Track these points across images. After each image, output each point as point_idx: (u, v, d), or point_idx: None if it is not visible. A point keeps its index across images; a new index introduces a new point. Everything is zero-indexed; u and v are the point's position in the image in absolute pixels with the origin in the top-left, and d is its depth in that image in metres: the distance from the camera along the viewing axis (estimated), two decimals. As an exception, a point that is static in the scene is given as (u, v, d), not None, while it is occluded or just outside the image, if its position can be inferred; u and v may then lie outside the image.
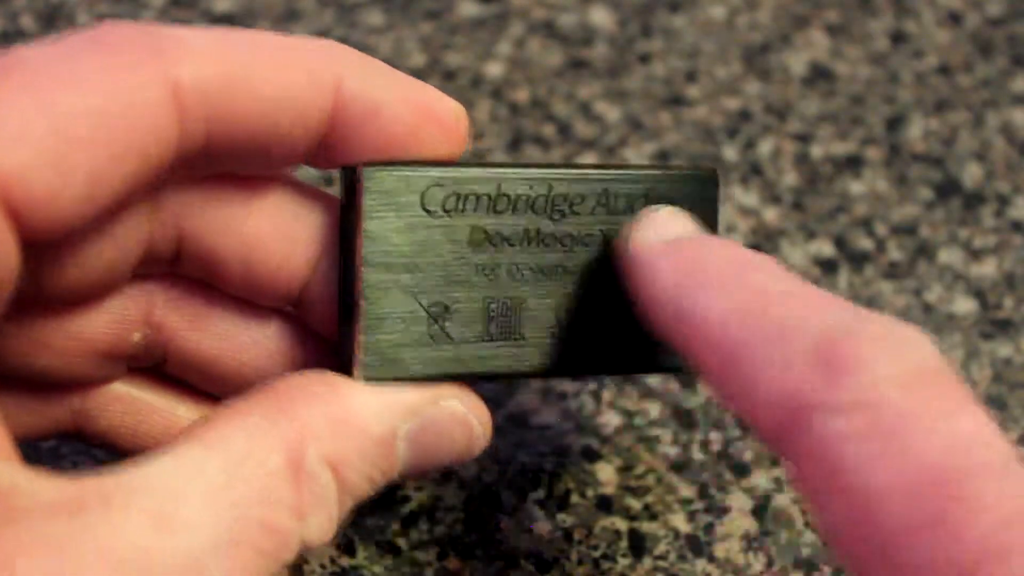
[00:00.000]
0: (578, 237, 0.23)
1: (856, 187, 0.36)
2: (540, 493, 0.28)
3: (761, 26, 0.40)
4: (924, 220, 0.35)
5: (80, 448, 0.28)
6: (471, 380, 0.23)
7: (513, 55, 0.39)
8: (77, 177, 0.18)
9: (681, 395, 0.31)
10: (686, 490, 0.29)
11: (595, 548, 0.27)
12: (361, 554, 0.27)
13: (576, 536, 0.28)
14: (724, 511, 0.28)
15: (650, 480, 0.29)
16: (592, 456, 0.29)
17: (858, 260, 0.34)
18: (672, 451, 0.29)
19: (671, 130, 0.37)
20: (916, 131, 0.37)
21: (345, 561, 0.27)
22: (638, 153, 0.36)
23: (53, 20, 0.39)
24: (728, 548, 0.28)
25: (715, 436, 0.30)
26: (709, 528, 0.28)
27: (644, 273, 0.22)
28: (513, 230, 0.23)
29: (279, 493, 0.19)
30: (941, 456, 0.17)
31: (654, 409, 0.30)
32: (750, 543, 0.28)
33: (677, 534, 0.28)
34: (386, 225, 0.22)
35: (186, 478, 0.18)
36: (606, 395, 0.30)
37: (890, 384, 0.17)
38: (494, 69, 0.38)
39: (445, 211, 0.22)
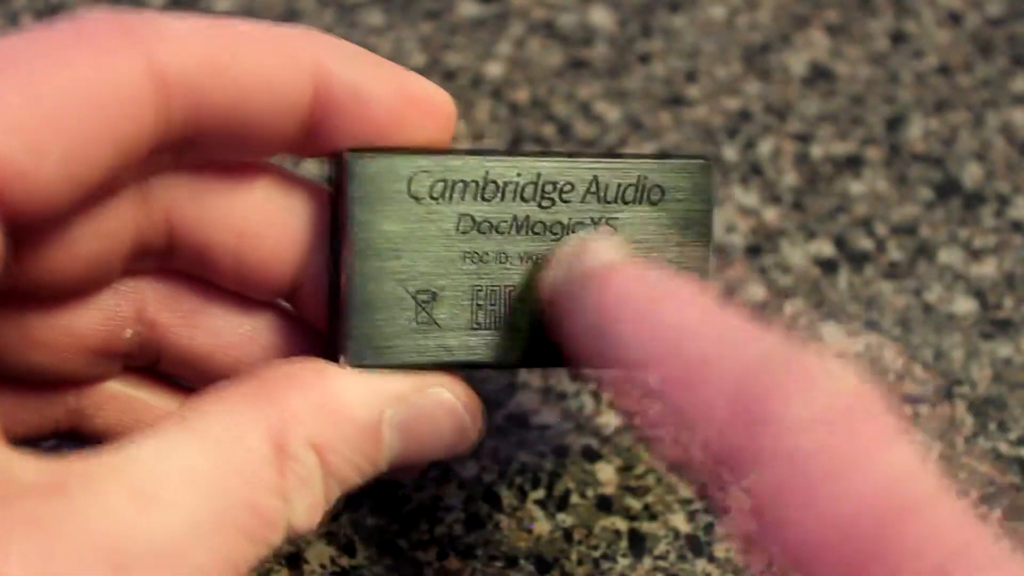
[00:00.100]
0: (568, 225, 0.23)
1: (856, 187, 0.36)
2: (540, 493, 0.28)
3: (761, 26, 0.40)
4: (924, 220, 0.35)
5: (80, 448, 0.28)
6: (459, 369, 0.23)
7: (513, 55, 0.39)
8: (52, 155, 0.18)
9: (681, 395, 0.31)
10: (686, 490, 0.29)
11: (595, 548, 0.27)
12: (361, 554, 0.27)
13: (576, 536, 0.28)
14: (724, 511, 0.28)
15: (650, 480, 0.29)
16: (592, 456, 0.29)
17: (858, 260, 0.34)
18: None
19: (671, 130, 0.37)
20: (916, 131, 0.37)
21: (345, 561, 0.27)
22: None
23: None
24: (728, 548, 0.28)
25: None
26: (709, 528, 0.28)
27: (560, 314, 0.21)
28: (501, 218, 0.23)
29: (263, 475, 0.19)
30: (869, 498, 0.16)
31: (654, 409, 0.30)
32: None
33: (677, 534, 0.28)
34: (372, 212, 0.22)
35: (168, 459, 0.18)
36: (606, 395, 0.30)
37: (811, 427, 0.17)
38: (494, 69, 0.38)
39: (432, 198, 0.22)
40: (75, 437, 0.25)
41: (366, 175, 0.22)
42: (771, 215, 0.35)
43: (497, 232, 0.23)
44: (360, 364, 0.22)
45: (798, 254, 0.34)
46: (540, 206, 0.23)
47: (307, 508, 0.20)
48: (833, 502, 0.16)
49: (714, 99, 0.38)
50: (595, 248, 0.22)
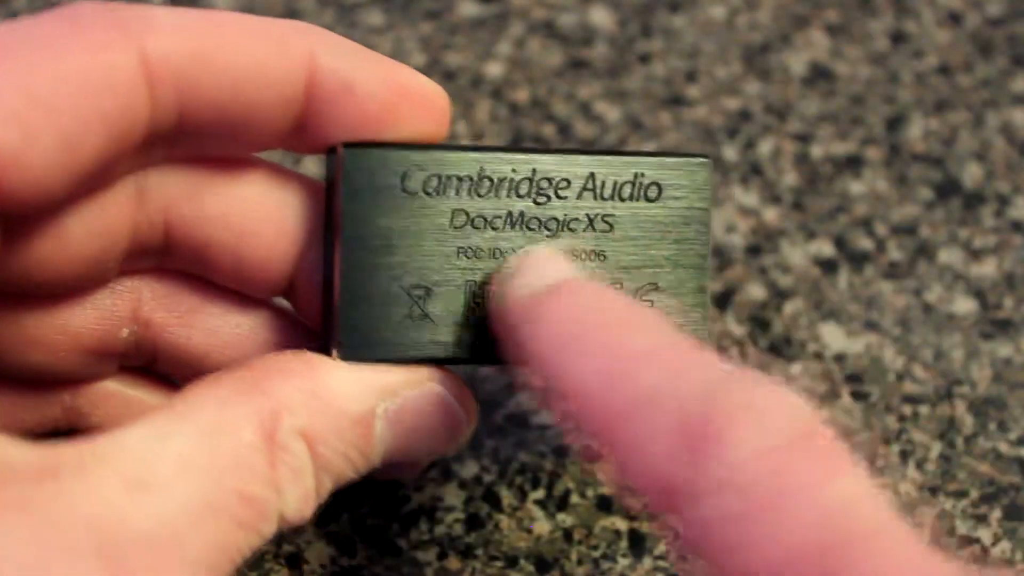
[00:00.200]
0: (563, 222, 0.23)
1: (856, 187, 0.36)
2: (540, 493, 0.28)
3: (761, 26, 0.40)
4: (924, 220, 0.35)
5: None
6: (453, 364, 0.23)
7: (513, 55, 0.39)
8: (46, 143, 0.18)
9: (681, 395, 0.31)
10: (686, 490, 0.29)
11: (595, 548, 0.27)
12: (361, 554, 0.27)
13: (576, 536, 0.28)
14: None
15: (650, 480, 0.29)
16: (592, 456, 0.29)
17: (858, 260, 0.34)
18: (672, 451, 0.29)
19: (671, 130, 0.37)
20: (916, 131, 0.37)
21: (345, 561, 0.27)
22: (638, 153, 0.36)
23: (53, 20, 0.39)
24: (728, 548, 0.28)
25: (715, 436, 0.30)
26: None
27: (513, 335, 0.20)
28: (496, 213, 0.23)
29: (254, 464, 0.19)
30: (816, 529, 0.16)
31: (654, 409, 0.30)
32: (750, 543, 0.28)
33: (677, 534, 0.28)
34: (366, 206, 0.22)
35: (159, 447, 0.18)
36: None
37: (756, 459, 0.16)
38: (494, 69, 0.38)
39: (426, 193, 0.22)
40: (72, 435, 0.25)
41: (360, 169, 0.22)
42: (771, 215, 0.35)
43: (491, 228, 0.23)
44: (353, 357, 0.22)
45: (798, 254, 0.34)
46: (535, 202, 0.23)
47: (299, 499, 0.20)
48: (777, 534, 0.16)
49: (714, 99, 0.38)
50: (537, 267, 0.21)
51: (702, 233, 0.24)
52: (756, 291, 0.33)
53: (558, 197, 0.23)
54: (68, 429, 0.25)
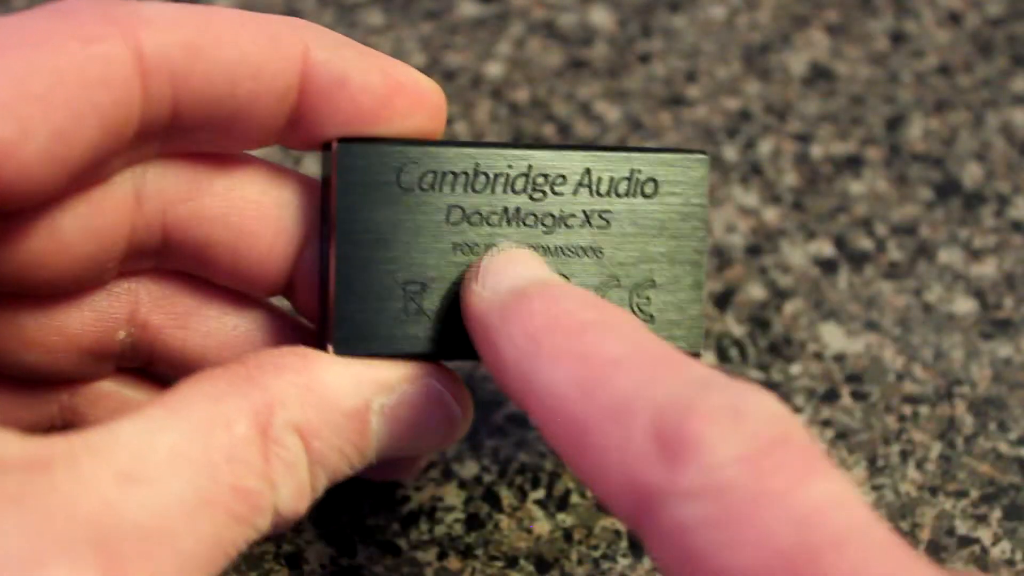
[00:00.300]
0: (560, 218, 0.23)
1: (856, 187, 0.36)
2: (540, 493, 0.28)
3: (761, 26, 0.40)
4: (924, 220, 0.35)
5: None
6: (448, 359, 0.23)
7: (513, 55, 0.39)
8: (39, 132, 0.19)
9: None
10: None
11: (595, 548, 0.27)
12: (361, 554, 0.27)
13: (576, 536, 0.28)
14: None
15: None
16: (592, 456, 0.29)
17: (858, 260, 0.34)
18: (672, 451, 0.29)
19: (671, 130, 0.37)
20: (916, 131, 0.37)
21: (345, 561, 0.27)
22: (638, 153, 0.36)
23: (53, 20, 0.39)
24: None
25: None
26: None
27: (480, 339, 0.20)
28: (491, 209, 0.23)
29: (247, 457, 0.19)
30: (791, 534, 0.16)
31: (654, 409, 0.30)
32: (750, 543, 0.28)
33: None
34: (361, 200, 0.22)
35: (152, 440, 0.18)
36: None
37: (732, 464, 0.16)
38: (494, 69, 0.38)
39: (422, 189, 0.22)
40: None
41: (355, 164, 0.22)
42: (771, 215, 0.35)
43: (487, 223, 0.22)
44: (348, 352, 0.22)
45: (798, 254, 0.34)
46: (531, 198, 0.23)
47: (293, 493, 0.20)
48: (752, 539, 0.16)
49: (714, 99, 0.38)
50: (514, 266, 0.21)
51: (699, 229, 0.24)
52: (756, 291, 0.33)
53: (554, 193, 0.23)
54: (64, 428, 0.25)
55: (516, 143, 0.22)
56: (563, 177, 0.23)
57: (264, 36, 0.21)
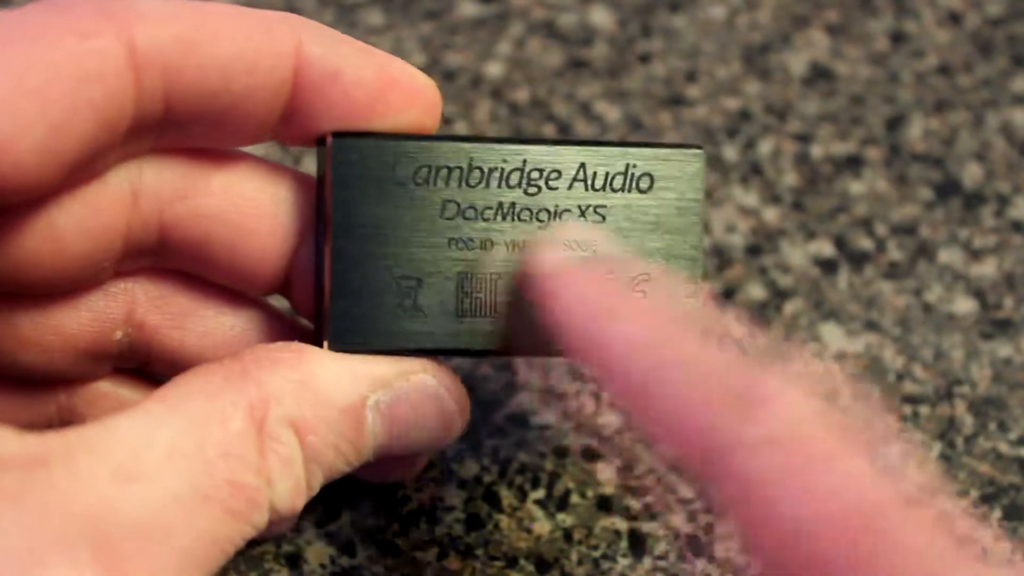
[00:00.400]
0: (555, 212, 0.23)
1: (856, 187, 0.36)
2: (540, 493, 0.28)
3: (761, 26, 0.40)
4: (924, 220, 0.35)
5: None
6: (444, 355, 0.23)
7: (513, 55, 0.39)
8: (35, 127, 0.19)
9: (681, 395, 0.30)
10: (686, 490, 0.29)
11: (595, 548, 0.27)
12: (361, 554, 0.27)
13: (576, 536, 0.28)
14: (715, 504, 0.28)
15: (650, 480, 0.29)
16: (592, 456, 0.29)
17: (858, 260, 0.34)
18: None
19: (671, 130, 0.37)
20: (916, 131, 0.37)
21: (345, 561, 0.27)
22: (638, 153, 0.36)
23: (53, 20, 0.39)
24: (728, 548, 0.28)
25: (715, 436, 0.30)
26: (709, 528, 0.28)
27: (552, 296, 0.21)
28: (486, 204, 0.22)
29: (243, 452, 0.19)
30: (862, 489, 0.16)
31: (654, 409, 0.30)
32: (750, 543, 0.28)
33: (677, 534, 0.28)
34: (356, 195, 0.22)
35: (148, 436, 0.18)
36: (606, 395, 0.30)
37: (808, 418, 0.17)
38: (494, 69, 0.38)
39: (416, 183, 0.22)
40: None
41: (350, 159, 0.22)
42: (771, 215, 0.35)
43: (482, 218, 0.22)
44: (343, 348, 0.22)
45: (798, 254, 0.34)
46: (526, 193, 0.23)
47: (289, 489, 0.20)
48: (816, 493, 0.16)
49: (714, 99, 0.38)
50: (586, 235, 0.22)
51: (695, 225, 0.24)
52: (756, 291, 0.33)
53: (549, 188, 0.23)
54: (62, 427, 0.25)
55: (511, 138, 0.22)
56: (558, 172, 0.23)
57: (258, 31, 0.21)
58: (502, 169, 0.22)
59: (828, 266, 0.34)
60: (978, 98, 0.38)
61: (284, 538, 0.27)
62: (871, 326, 0.32)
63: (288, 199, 0.23)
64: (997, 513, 0.28)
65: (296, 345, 0.21)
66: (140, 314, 0.24)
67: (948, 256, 0.34)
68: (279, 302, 0.25)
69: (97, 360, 0.24)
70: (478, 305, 0.22)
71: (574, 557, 0.27)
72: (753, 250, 0.34)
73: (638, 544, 0.27)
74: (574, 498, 0.28)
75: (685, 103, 0.38)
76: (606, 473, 0.29)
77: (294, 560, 0.27)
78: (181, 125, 0.21)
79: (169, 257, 0.23)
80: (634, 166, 0.23)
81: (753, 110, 0.38)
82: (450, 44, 0.39)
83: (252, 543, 0.21)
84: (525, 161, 0.23)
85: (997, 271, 0.34)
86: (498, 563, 0.27)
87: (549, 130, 0.37)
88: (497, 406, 0.30)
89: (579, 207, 0.23)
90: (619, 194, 0.23)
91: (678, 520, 0.28)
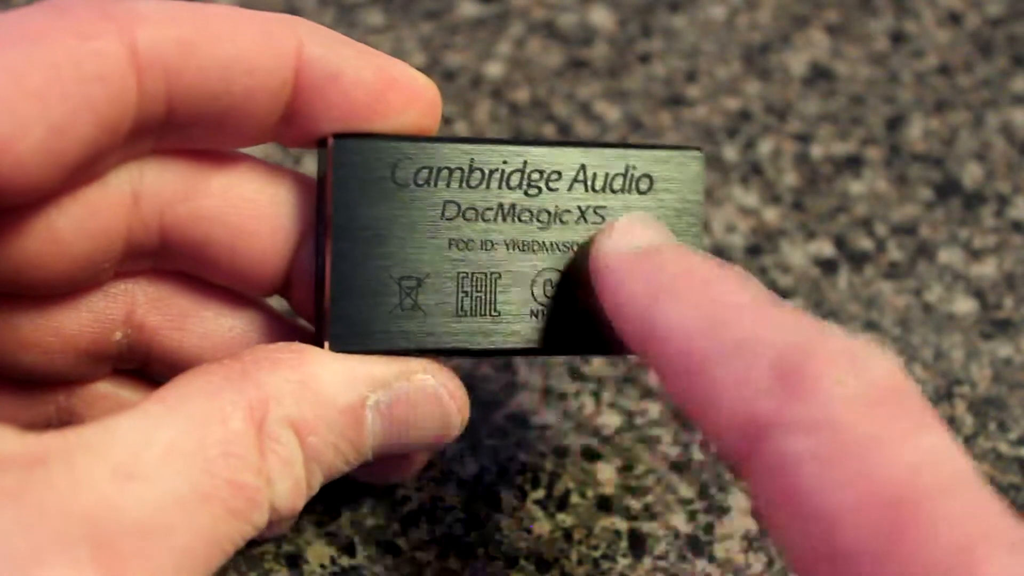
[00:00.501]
0: (555, 214, 0.23)
1: (856, 187, 0.36)
2: (540, 493, 0.28)
3: (761, 26, 0.40)
4: (924, 220, 0.35)
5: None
6: (444, 355, 0.23)
7: (513, 55, 0.39)
8: (36, 128, 0.19)
9: (681, 395, 0.30)
10: (686, 490, 0.29)
11: (595, 548, 0.27)
12: (361, 554, 0.27)
13: (576, 536, 0.28)
14: (724, 511, 0.28)
15: (650, 480, 0.29)
16: (592, 456, 0.29)
17: (858, 260, 0.34)
18: (672, 451, 0.29)
19: (671, 130, 0.37)
20: (916, 131, 0.37)
21: (345, 561, 0.27)
22: (638, 153, 0.36)
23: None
24: (728, 548, 0.28)
25: (715, 436, 0.30)
26: (709, 528, 0.28)
27: (610, 282, 0.21)
28: (487, 205, 0.23)
29: (243, 452, 0.19)
30: (898, 477, 0.16)
31: (654, 409, 0.30)
32: (750, 543, 0.28)
33: (677, 534, 0.28)
34: (356, 196, 0.22)
35: (148, 436, 0.18)
36: (606, 395, 0.30)
37: (848, 403, 0.17)
38: (494, 69, 0.38)
39: (417, 184, 0.22)
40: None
41: (350, 160, 0.22)
42: (771, 215, 0.35)
43: (483, 219, 0.23)
44: (344, 348, 0.22)
45: (798, 254, 0.34)
46: (526, 194, 0.23)
47: (289, 489, 0.20)
48: (858, 478, 0.16)
49: (714, 99, 0.38)
50: (644, 226, 0.22)
51: (694, 226, 0.24)
52: (756, 291, 0.33)
53: (549, 189, 0.23)
54: (62, 428, 0.25)
55: (511, 139, 0.22)
56: (558, 173, 0.23)
57: (258, 32, 0.21)
58: (503, 170, 0.23)
59: (828, 266, 0.34)
60: (978, 98, 0.38)
61: (284, 538, 0.27)
62: (871, 326, 0.32)
63: (288, 200, 0.23)
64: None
65: (296, 346, 0.21)
66: (140, 315, 0.24)
67: (948, 256, 0.34)
68: (279, 303, 0.26)
69: (96, 361, 0.24)
70: (478, 305, 0.23)
71: (574, 557, 0.27)
72: (753, 250, 0.34)
73: (638, 544, 0.27)
74: (574, 498, 0.28)
75: (685, 103, 0.38)
76: (606, 473, 0.29)
77: (294, 560, 0.27)
78: (182, 127, 0.21)
79: (169, 258, 0.23)
80: (634, 167, 0.23)
81: (753, 110, 0.38)
82: (450, 44, 0.39)
83: (252, 543, 0.21)
84: (526, 162, 0.23)
85: (997, 271, 0.34)
86: (498, 563, 0.27)
87: (549, 130, 0.37)
88: (497, 406, 0.30)
89: (579, 208, 0.23)
90: (619, 195, 0.23)
91: (678, 520, 0.28)
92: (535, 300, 0.23)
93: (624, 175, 0.23)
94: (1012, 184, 0.36)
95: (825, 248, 0.34)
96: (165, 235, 0.23)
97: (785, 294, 0.33)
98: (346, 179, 0.22)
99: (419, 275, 0.22)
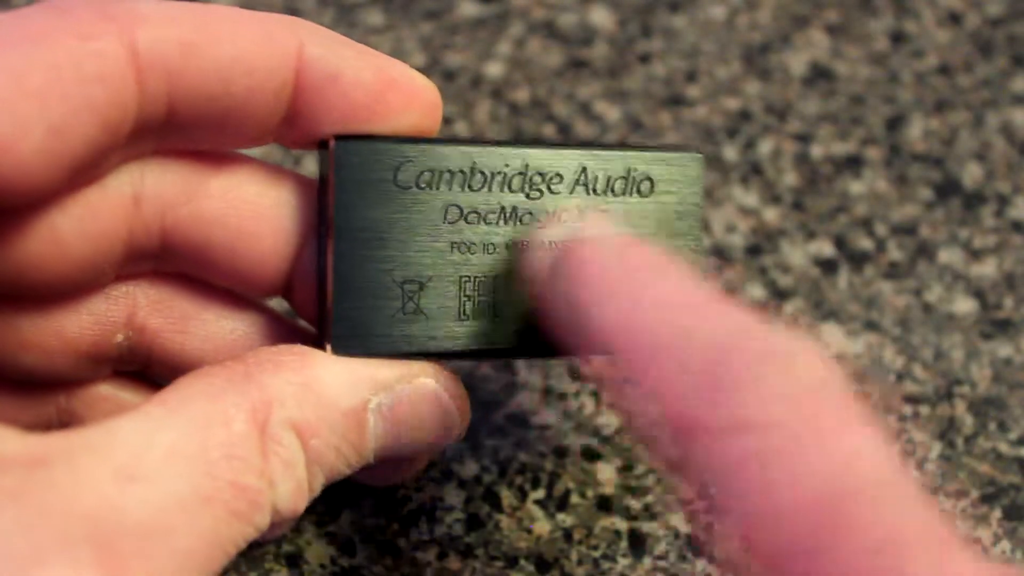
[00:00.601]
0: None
1: (856, 187, 0.36)
2: (540, 493, 0.28)
3: (761, 26, 0.40)
4: (924, 220, 0.35)
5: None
6: (446, 358, 0.23)
7: (513, 55, 0.39)
8: (36, 128, 0.19)
9: (681, 395, 0.30)
10: (686, 490, 0.29)
11: (595, 548, 0.27)
12: (361, 554, 0.27)
13: (576, 536, 0.28)
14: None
15: (650, 480, 0.29)
16: (592, 456, 0.29)
17: (858, 260, 0.34)
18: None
19: (671, 130, 0.37)
20: (916, 131, 0.37)
21: (345, 561, 0.27)
22: (638, 153, 0.36)
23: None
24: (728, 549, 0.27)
25: (715, 436, 0.30)
26: (709, 528, 0.28)
27: (538, 279, 0.21)
28: (489, 207, 0.23)
29: (245, 454, 0.19)
30: (824, 478, 0.16)
31: (654, 409, 0.30)
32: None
33: (677, 534, 0.28)
34: (358, 198, 0.22)
35: (150, 438, 0.18)
36: (606, 395, 0.30)
37: (777, 404, 0.17)
38: (494, 69, 0.38)
39: (419, 187, 0.22)
40: None
41: (352, 162, 0.22)
42: (771, 215, 0.35)
43: (484, 222, 0.23)
44: (346, 351, 0.22)
45: (798, 254, 0.34)
46: (528, 196, 0.23)
47: (291, 491, 0.20)
48: (790, 478, 0.16)
49: (714, 99, 0.38)
50: (574, 217, 0.22)
51: (695, 228, 0.24)
52: (756, 291, 0.33)
53: (551, 191, 0.23)
54: (62, 429, 0.25)
55: (513, 141, 0.22)
56: (559, 175, 0.23)
57: (259, 33, 0.21)
58: (504, 173, 0.23)
59: (828, 266, 0.34)
60: (978, 98, 0.38)
61: (284, 538, 0.27)
62: (871, 326, 0.32)
63: (289, 202, 0.23)
64: (997, 513, 0.28)
65: (298, 348, 0.21)
66: (141, 317, 0.24)
67: (948, 256, 0.34)
68: (280, 304, 0.26)
69: (97, 363, 0.24)
70: (480, 308, 0.23)
71: (574, 557, 0.27)
72: (753, 250, 0.34)
73: (638, 544, 0.28)
74: (574, 498, 0.28)
75: (685, 103, 0.38)
76: (606, 473, 0.29)
77: (294, 560, 0.27)
78: (183, 127, 0.21)
79: (170, 261, 0.23)
80: (635, 170, 0.23)
81: (753, 110, 0.38)
82: (450, 44, 0.39)
83: (252, 544, 0.21)
84: (527, 165, 0.23)
85: (997, 271, 0.34)
86: (498, 563, 0.27)
87: (549, 130, 0.37)
88: (497, 406, 0.30)
89: (579, 210, 0.23)
90: (620, 197, 0.23)
91: (678, 520, 0.28)
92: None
93: (625, 177, 0.23)
94: (1012, 184, 0.36)
95: (825, 248, 0.34)
96: (166, 237, 0.23)
97: (785, 294, 0.33)
98: (348, 181, 0.22)
99: (421, 278, 0.22)
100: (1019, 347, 0.32)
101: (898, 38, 0.40)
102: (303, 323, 0.25)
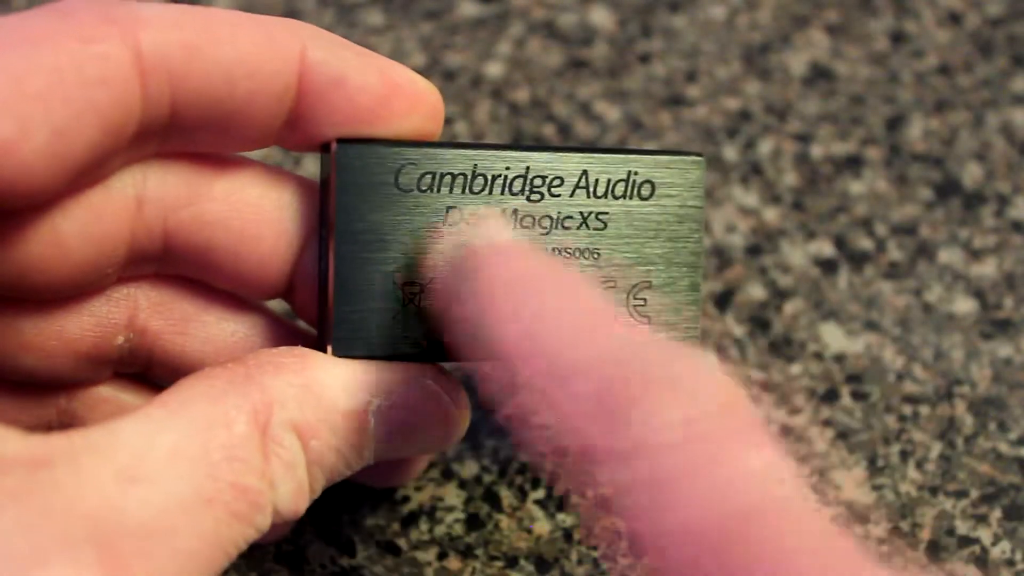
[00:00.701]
0: (557, 219, 0.23)
1: (856, 187, 0.36)
2: (540, 493, 0.28)
3: (761, 26, 0.40)
4: (924, 220, 0.35)
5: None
6: (446, 361, 0.23)
7: (513, 55, 0.39)
8: (39, 131, 0.19)
9: (681, 395, 0.30)
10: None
11: (595, 548, 0.27)
12: (361, 554, 0.27)
13: (576, 536, 0.28)
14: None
15: (650, 480, 0.29)
16: (592, 456, 0.29)
17: (858, 260, 0.34)
18: (672, 451, 0.29)
19: (671, 130, 0.37)
20: (916, 131, 0.37)
21: (345, 561, 0.27)
22: (638, 153, 0.36)
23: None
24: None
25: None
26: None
27: (442, 298, 0.21)
28: (490, 211, 0.23)
29: (246, 455, 0.19)
30: (722, 502, 0.16)
31: (654, 409, 0.30)
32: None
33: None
34: (359, 201, 0.22)
35: (152, 439, 0.18)
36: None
37: (670, 428, 0.17)
38: (494, 69, 0.38)
39: (420, 190, 0.22)
40: None
41: (353, 165, 0.22)
42: (771, 215, 0.35)
43: None
44: (346, 353, 0.22)
45: (798, 254, 0.34)
46: (529, 199, 0.23)
47: (292, 492, 0.20)
48: (685, 503, 0.16)
49: (714, 99, 0.38)
50: (475, 226, 0.22)
51: (695, 231, 0.24)
52: (756, 291, 0.33)
53: (552, 195, 0.23)
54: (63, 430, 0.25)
55: (514, 144, 0.22)
56: (560, 179, 0.23)
57: (262, 36, 0.21)
58: (505, 176, 0.23)
59: (828, 266, 0.34)
60: (978, 98, 0.38)
61: (284, 538, 0.27)
62: (871, 326, 0.32)
63: (291, 204, 0.23)
64: (997, 513, 0.28)
65: (299, 350, 0.21)
66: (142, 319, 0.24)
67: (948, 256, 0.34)
68: (281, 306, 0.26)
69: (98, 365, 0.24)
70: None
71: (574, 557, 0.27)
72: (753, 250, 0.34)
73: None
74: (574, 498, 0.28)
75: (685, 103, 0.38)
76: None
77: (294, 560, 0.27)
78: (185, 130, 0.21)
79: (173, 263, 0.23)
80: (636, 173, 0.23)
81: (753, 110, 0.38)
82: (450, 44, 0.39)
83: (252, 544, 0.21)
84: (528, 168, 0.23)
85: (997, 271, 0.34)
86: (498, 563, 0.27)
87: (549, 130, 0.37)
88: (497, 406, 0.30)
89: (581, 214, 0.23)
90: (621, 201, 0.23)
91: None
92: None
93: (626, 181, 0.23)
94: (1012, 184, 0.36)
95: (825, 248, 0.34)
96: (168, 240, 0.23)
97: (785, 294, 0.33)
98: (349, 184, 0.22)
99: (422, 281, 0.22)
100: (1019, 347, 0.32)
101: (898, 38, 0.40)
102: (304, 325, 0.25)
